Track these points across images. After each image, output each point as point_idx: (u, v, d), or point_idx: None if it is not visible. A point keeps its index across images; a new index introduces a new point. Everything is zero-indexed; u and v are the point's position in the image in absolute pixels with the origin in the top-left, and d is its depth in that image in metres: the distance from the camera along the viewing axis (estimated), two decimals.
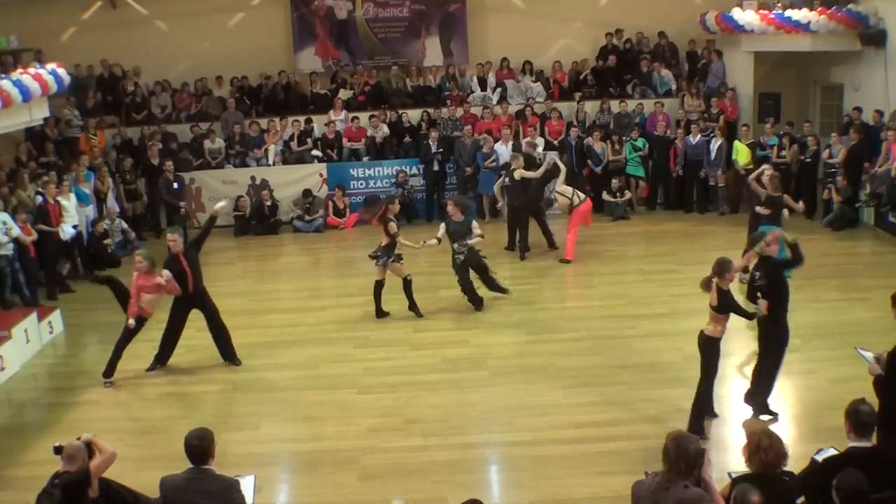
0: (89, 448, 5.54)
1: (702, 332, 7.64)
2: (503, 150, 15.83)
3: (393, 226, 10.86)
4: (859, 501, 4.57)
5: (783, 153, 15.38)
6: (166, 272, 9.41)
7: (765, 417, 7.90)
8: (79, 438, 5.58)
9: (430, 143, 16.23)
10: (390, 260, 10.96)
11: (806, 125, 15.72)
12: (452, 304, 11.40)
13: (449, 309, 11.36)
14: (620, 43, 18.27)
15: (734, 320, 9.91)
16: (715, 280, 7.42)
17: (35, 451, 7.90)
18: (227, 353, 9.97)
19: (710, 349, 7.61)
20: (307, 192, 16.21)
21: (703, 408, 7.75)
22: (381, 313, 11.20)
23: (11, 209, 12.18)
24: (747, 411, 8.06)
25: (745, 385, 8.28)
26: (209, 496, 5.14)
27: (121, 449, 5.85)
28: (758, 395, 7.97)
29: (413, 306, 11.22)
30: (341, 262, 14.39)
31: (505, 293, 11.57)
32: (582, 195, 13.25)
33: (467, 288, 11.26)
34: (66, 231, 12.96)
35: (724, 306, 7.43)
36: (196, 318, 9.93)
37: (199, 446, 5.20)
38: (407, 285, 11.17)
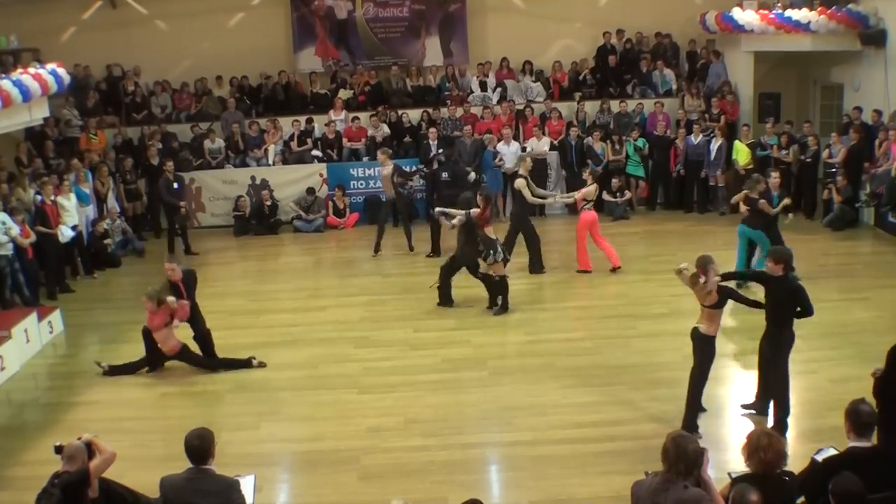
0: (89, 448, 5.55)
1: (696, 328, 7.61)
2: (506, 150, 15.92)
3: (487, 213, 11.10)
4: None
5: (783, 152, 15.35)
6: (171, 298, 9.46)
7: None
8: (79, 438, 5.58)
9: (431, 142, 16.22)
10: (502, 254, 11.04)
11: (806, 125, 15.72)
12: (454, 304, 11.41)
13: (449, 309, 11.35)
14: (620, 43, 18.28)
15: (733, 319, 9.96)
16: (703, 278, 7.35)
17: (35, 451, 7.90)
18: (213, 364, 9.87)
19: (705, 346, 7.59)
20: (311, 190, 16.21)
21: (697, 404, 7.76)
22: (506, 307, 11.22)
23: (10, 209, 12.17)
24: (745, 411, 8.06)
25: (745, 384, 8.28)
26: (209, 496, 5.13)
27: (121, 449, 5.85)
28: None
29: (497, 302, 11.24)
30: (341, 262, 14.37)
31: (445, 303, 11.39)
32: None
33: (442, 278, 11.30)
34: (65, 234, 12.91)
35: (724, 299, 7.41)
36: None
37: (200, 446, 5.19)
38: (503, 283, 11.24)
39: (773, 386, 7.62)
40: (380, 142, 16.79)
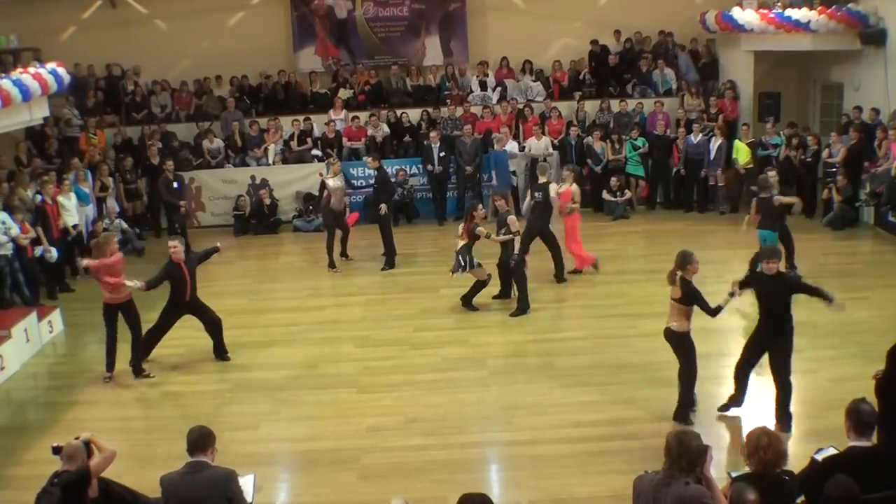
0: (88, 447, 5.54)
1: (668, 328, 7.75)
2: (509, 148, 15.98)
3: (482, 229, 11.00)
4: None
5: (794, 153, 15.29)
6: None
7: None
8: (77, 438, 5.58)
9: (433, 145, 16.10)
10: (475, 263, 11.08)
11: (805, 132, 15.69)
12: (452, 304, 11.39)
13: (449, 308, 11.35)
14: (619, 44, 18.26)
15: (736, 319, 9.96)
16: (679, 272, 7.57)
17: (35, 450, 7.90)
18: (219, 348, 10.06)
19: (681, 344, 7.72)
20: (308, 197, 16.19)
21: (690, 400, 7.87)
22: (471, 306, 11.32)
23: (10, 208, 12.15)
24: (745, 412, 8.04)
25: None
26: (206, 486, 5.19)
27: (121, 448, 5.86)
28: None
29: (468, 302, 11.30)
30: (341, 261, 14.34)
31: (470, 308, 11.36)
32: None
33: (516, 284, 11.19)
34: (52, 256, 12.41)
35: (689, 297, 7.52)
36: (193, 318, 9.98)
37: (198, 438, 5.30)
38: (481, 286, 11.26)
39: (788, 380, 7.70)
40: (380, 141, 16.80)
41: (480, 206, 11.54)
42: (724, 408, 8.06)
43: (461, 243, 11.11)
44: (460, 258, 11.08)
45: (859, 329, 9.89)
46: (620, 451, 7.42)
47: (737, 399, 8.02)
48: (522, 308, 11.02)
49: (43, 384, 9.99)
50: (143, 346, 9.81)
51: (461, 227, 11.39)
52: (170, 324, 9.89)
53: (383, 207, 13.34)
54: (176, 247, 9.58)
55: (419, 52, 18.53)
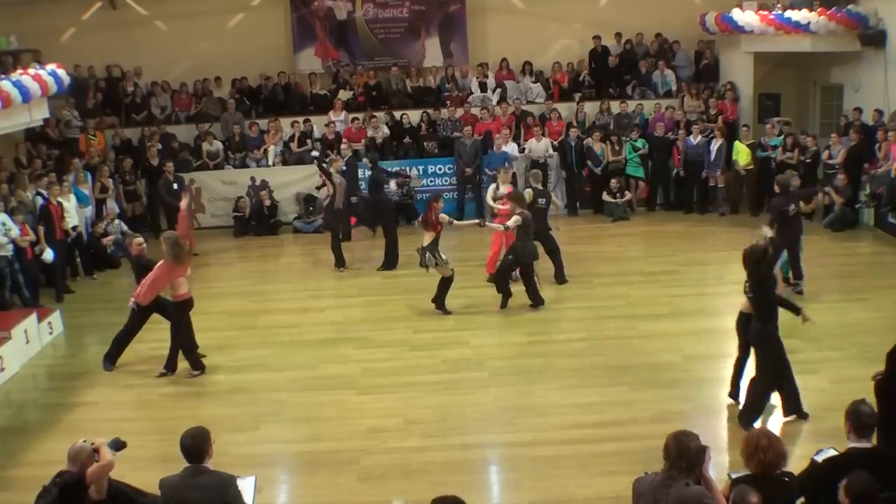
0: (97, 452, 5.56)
1: (741, 313, 8.01)
2: (509, 150, 15.98)
3: (444, 217, 11.02)
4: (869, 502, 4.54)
5: (788, 154, 15.30)
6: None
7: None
8: (84, 441, 5.61)
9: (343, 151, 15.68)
10: (442, 259, 11.02)
11: (802, 136, 15.69)
12: (452, 305, 11.39)
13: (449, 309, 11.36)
14: (619, 45, 18.27)
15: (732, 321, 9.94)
16: None
17: (35, 451, 7.91)
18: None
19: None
20: (309, 198, 16.18)
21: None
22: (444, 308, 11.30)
23: (10, 210, 12.14)
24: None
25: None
26: (204, 491, 5.18)
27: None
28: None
29: (440, 303, 11.29)
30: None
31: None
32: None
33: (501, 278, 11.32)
34: (47, 256, 12.38)
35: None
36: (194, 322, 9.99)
37: (193, 445, 5.25)
38: (448, 283, 11.25)
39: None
40: (380, 143, 16.81)
41: (441, 197, 11.46)
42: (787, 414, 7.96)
43: (428, 239, 10.98)
44: (428, 255, 10.96)
45: (859, 330, 9.90)
46: (621, 452, 7.42)
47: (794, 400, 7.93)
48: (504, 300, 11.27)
49: (43, 385, 9.99)
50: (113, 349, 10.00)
51: (421, 220, 11.28)
52: (140, 325, 9.94)
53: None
54: (141, 244, 9.71)
55: (419, 53, 18.54)
